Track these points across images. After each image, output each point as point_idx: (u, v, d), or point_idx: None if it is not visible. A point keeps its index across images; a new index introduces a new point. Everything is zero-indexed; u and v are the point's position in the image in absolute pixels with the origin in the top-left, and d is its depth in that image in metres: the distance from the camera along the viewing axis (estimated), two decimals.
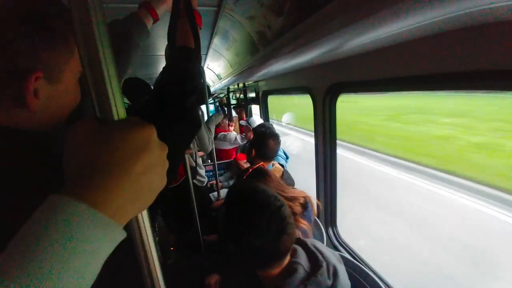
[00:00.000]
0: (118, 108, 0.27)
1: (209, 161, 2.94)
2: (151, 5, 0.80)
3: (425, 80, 0.78)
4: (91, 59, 0.25)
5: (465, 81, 0.67)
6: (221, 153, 3.05)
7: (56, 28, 0.40)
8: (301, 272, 0.70)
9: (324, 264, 0.72)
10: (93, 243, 0.23)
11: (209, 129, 1.78)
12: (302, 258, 0.74)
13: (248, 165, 1.90)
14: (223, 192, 2.21)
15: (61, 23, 0.41)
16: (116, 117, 0.27)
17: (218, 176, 2.16)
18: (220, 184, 2.20)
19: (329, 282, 0.69)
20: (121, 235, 0.26)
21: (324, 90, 1.41)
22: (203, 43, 1.81)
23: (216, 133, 3.03)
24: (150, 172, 0.27)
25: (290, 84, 1.91)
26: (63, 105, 0.45)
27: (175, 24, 0.62)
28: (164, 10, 0.84)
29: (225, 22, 1.35)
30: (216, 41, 1.78)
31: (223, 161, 2.90)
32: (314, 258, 0.75)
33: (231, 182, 2.62)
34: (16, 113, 0.39)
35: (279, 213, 0.69)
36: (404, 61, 0.84)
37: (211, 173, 2.65)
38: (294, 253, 0.75)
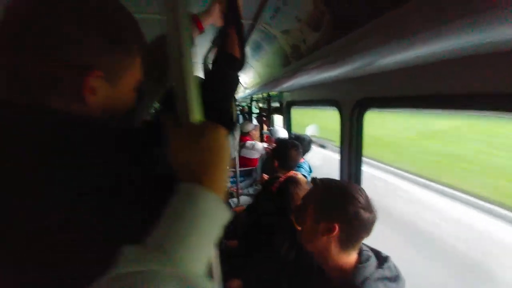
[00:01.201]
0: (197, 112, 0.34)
1: (230, 168, 2.99)
2: (198, 18, 0.89)
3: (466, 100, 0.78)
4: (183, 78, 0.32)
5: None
6: (244, 161, 3.10)
7: (124, 38, 0.45)
8: (373, 260, 0.77)
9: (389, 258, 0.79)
10: (221, 220, 0.36)
11: (233, 135, 1.84)
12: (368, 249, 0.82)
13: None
14: (242, 199, 2.25)
15: (129, 34, 0.46)
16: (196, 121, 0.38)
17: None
18: (240, 191, 2.24)
19: (396, 273, 0.76)
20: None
21: (352, 104, 1.42)
22: None
23: (243, 141, 3.11)
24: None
25: (316, 96, 1.91)
26: (115, 109, 0.48)
27: (226, 34, 0.67)
28: (209, 23, 0.92)
29: (259, 35, 1.42)
30: (246, 51, 1.86)
31: (244, 169, 2.95)
32: (375, 251, 0.82)
33: (250, 190, 2.65)
34: (74, 106, 0.42)
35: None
36: (441, 79, 0.84)
37: (231, 180, 2.70)
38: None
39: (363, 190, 0.79)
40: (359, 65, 0.95)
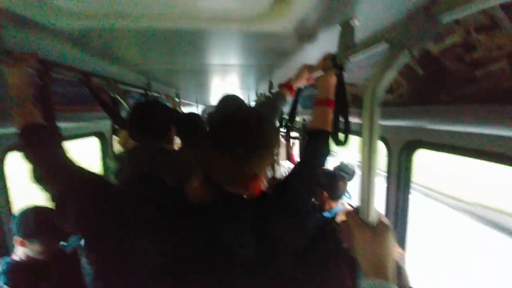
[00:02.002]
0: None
1: None
2: (291, 85, 1.05)
3: None
4: None
5: None
6: None
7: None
8: None
9: None
10: None
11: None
12: None
13: None
14: None
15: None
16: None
17: None
18: None
19: None
20: None
21: (402, 144, 1.45)
22: None
23: None
24: None
25: (358, 127, 1.95)
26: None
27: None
28: (298, 86, 1.08)
29: None
30: None
31: None
32: None
33: None
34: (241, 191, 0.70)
35: None
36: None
37: None
38: None
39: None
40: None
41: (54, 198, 0.80)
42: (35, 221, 1.08)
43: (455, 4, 0.40)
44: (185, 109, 3.77)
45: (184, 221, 0.65)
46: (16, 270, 1.09)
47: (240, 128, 0.64)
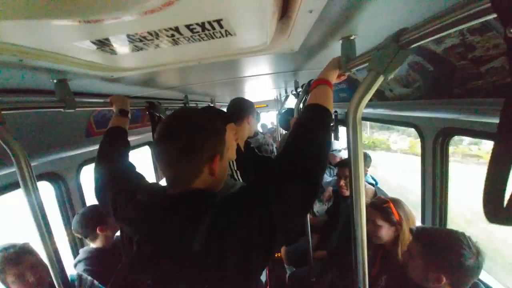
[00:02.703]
0: None
1: None
2: (328, 80, 0.90)
3: None
4: None
5: None
6: None
7: (223, 133, 0.70)
8: None
9: None
10: None
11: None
12: None
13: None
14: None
15: (223, 130, 0.71)
16: None
17: None
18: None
19: None
20: None
21: (436, 130, 1.40)
22: None
23: None
24: None
25: (390, 116, 1.84)
26: (223, 174, 0.73)
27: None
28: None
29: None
30: None
31: None
32: None
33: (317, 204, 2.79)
34: (209, 180, 0.67)
35: None
36: None
37: None
38: None
39: (466, 236, 0.90)
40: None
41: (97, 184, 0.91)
42: (91, 216, 1.38)
43: (420, 33, 0.48)
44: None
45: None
46: (93, 256, 1.41)
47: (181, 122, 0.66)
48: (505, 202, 0.31)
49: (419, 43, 0.49)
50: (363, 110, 0.65)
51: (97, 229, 1.40)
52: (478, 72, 0.73)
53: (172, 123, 0.67)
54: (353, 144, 0.66)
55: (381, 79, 0.56)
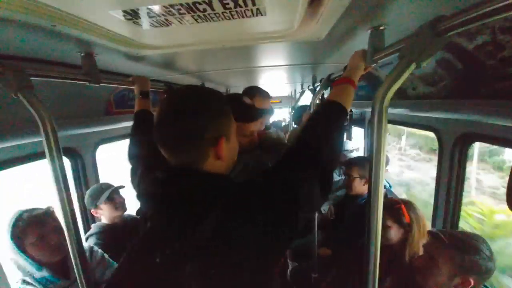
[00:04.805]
0: None
1: None
2: (352, 79, 0.87)
3: None
4: None
5: None
6: None
7: (226, 111, 0.65)
8: None
9: None
10: None
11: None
12: None
13: None
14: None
15: (227, 107, 0.66)
16: None
17: None
18: None
19: None
20: None
21: (455, 136, 1.37)
22: None
23: None
24: None
25: (410, 118, 1.82)
26: (233, 155, 0.70)
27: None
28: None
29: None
30: None
31: None
32: None
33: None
34: (216, 163, 0.63)
35: None
36: None
37: None
38: None
39: (484, 239, 0.89)
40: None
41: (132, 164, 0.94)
42: (100, 191, 1.45)
43: (458, 20, 0.46)
44: None
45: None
46: (104, 231, 1.48)
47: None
48: None
49: (458, 30, 0.47)
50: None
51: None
52: (506, 72, 0.70)
53: (172, 102, 0.64)
54: (377, 135, 0.65)
55: (413, 67, 0.54)
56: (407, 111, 1.59)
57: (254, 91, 1.65)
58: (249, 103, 1.09)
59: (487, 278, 0.86)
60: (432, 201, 1.59)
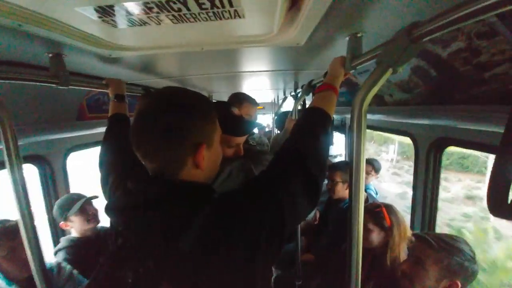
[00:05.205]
0: None
1: None
2: (333, 85, 0.87)
3: None
4: None
5: None
6: None
7: (212, 116, 0.61)
8: None
9: None
10: None
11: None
12: None
13: None
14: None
15: (213, 112, 0.62)
16: None
17: None
18: None
19: None
20: None
21: (430, 141, 1.41)
22: None
23: None
24: None
25: (388, 124, 1.86)
26: (214, 165, 0.64)
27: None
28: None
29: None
30: None
31: None
32: None
33: None
34: (194, 173, 0.58)
35: None
36: None
37: None
38: None
39: (465, 240, 0.91)
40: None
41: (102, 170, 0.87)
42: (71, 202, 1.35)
43: (433, 26, 0.47)
44: None
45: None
46: (74, 245, 1.36)
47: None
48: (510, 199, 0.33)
49: (431, 36, 0.48)
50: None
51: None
52: (481, 78, 0.74)
53: (154, 99, 0.59)
54: (356, 138, 0.65)
55: (389, 72, 0.55)
56: (385, 117, 1.65)
57: (242, 98, 1.62)
58: (238, 115, 1.03)
59: (472, 280, 0.87)
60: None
